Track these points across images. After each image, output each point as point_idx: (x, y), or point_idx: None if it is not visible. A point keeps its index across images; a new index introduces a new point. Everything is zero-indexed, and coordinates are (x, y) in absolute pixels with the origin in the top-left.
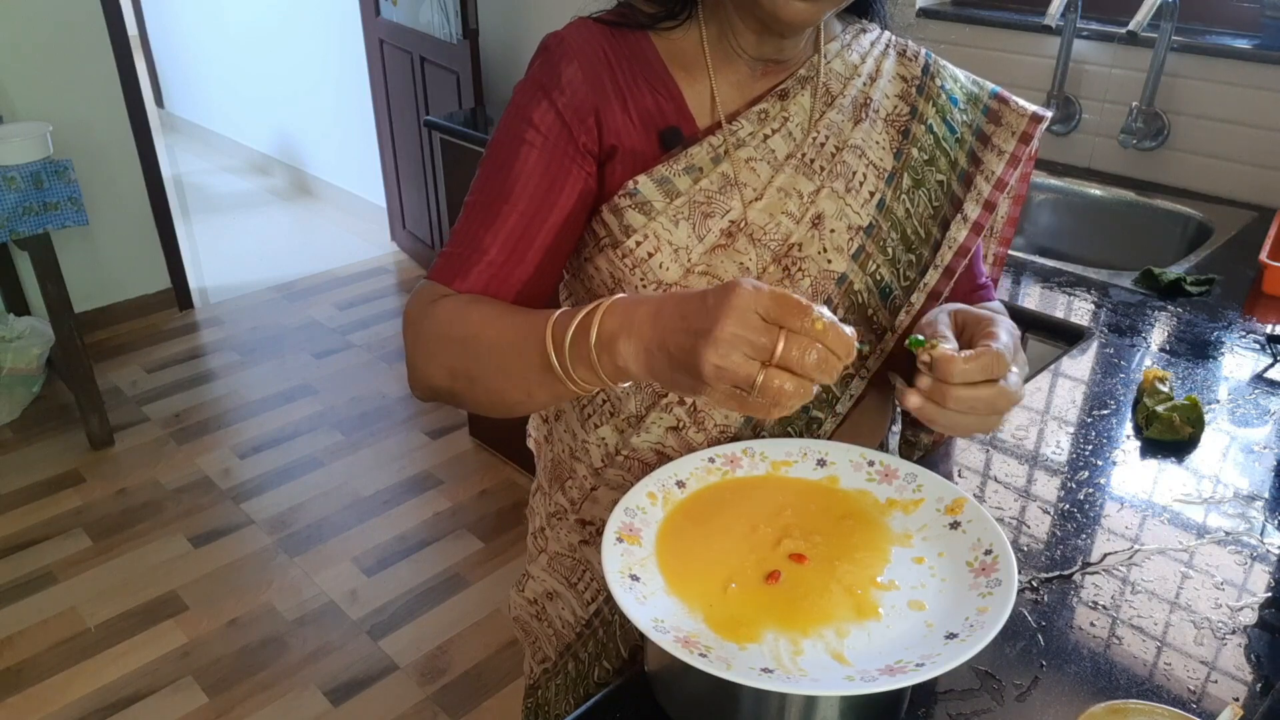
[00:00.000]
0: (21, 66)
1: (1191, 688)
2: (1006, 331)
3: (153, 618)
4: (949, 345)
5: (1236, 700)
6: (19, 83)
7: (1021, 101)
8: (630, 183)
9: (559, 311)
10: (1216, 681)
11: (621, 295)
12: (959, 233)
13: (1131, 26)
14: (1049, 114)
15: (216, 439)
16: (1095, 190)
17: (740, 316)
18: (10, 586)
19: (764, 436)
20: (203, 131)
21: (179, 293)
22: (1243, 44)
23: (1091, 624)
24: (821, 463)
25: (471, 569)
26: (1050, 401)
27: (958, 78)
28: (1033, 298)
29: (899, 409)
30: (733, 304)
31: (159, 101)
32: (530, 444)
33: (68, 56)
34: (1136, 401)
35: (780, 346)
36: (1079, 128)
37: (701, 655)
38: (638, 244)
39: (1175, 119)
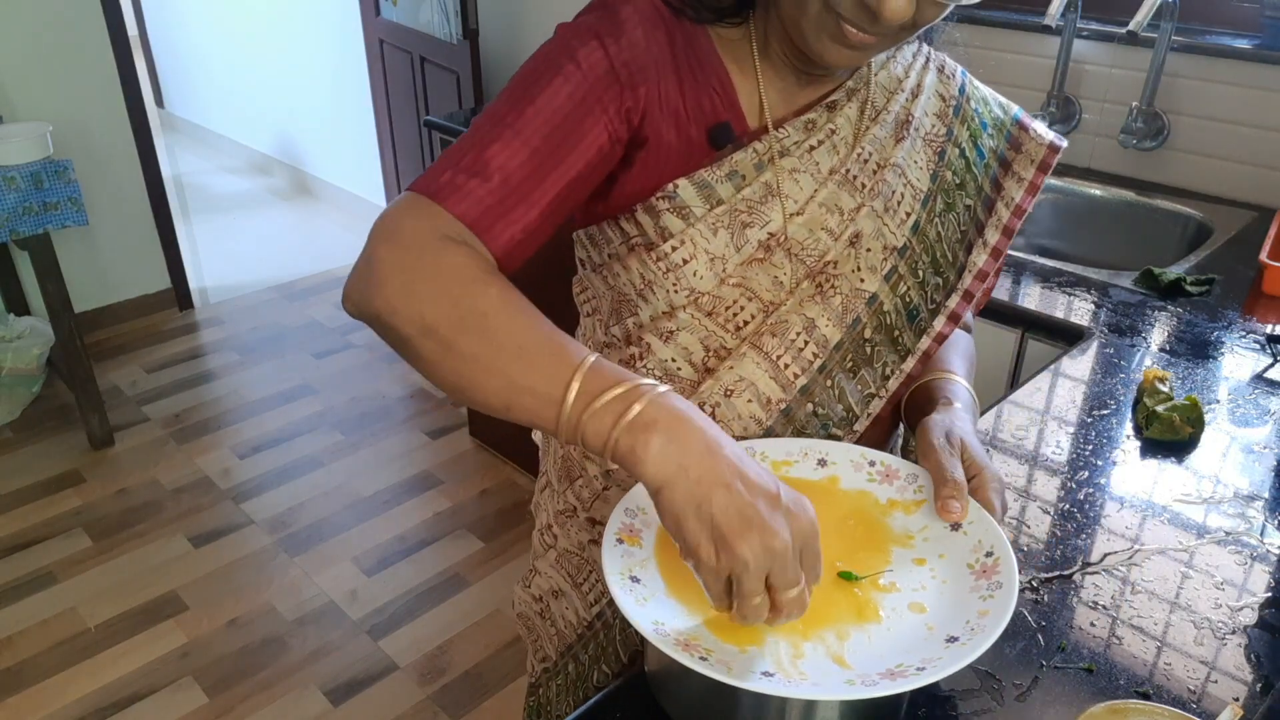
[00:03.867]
0: (21, 66)
1: (1191, 688)
2: (993, 479)
3: (153, 618)
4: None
5: (1236, 700)
6: (19, 83)
7: (1040, 129)
8: (670, 185)
9: (594, 357)
10: (1216, 681)
11: (672, 392)
12: (979, 257)
13: (1131, 26)
14: (1065, 143)
15: (216, 439)
16: (1095, 190)
17: (807, 542)
18: (10, 586)
19: (768, 436)
20: (203, 131)
21: (179, 293)
22: (1243, 44)
23: (1091, 624)
24: (822, 463)
25: (471, 569)
26: (1050, 401)
27: (986, 100)
28: (1033, 298)
29: (903, 420)
30: (804, 527)
31: (159, 101)
32: (536, 438)
33: (68, 56)
34: (1136, 401)
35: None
36: (1079, 128)
37: (701, 658)
38: (674, 249)
39: (1175, 119)
